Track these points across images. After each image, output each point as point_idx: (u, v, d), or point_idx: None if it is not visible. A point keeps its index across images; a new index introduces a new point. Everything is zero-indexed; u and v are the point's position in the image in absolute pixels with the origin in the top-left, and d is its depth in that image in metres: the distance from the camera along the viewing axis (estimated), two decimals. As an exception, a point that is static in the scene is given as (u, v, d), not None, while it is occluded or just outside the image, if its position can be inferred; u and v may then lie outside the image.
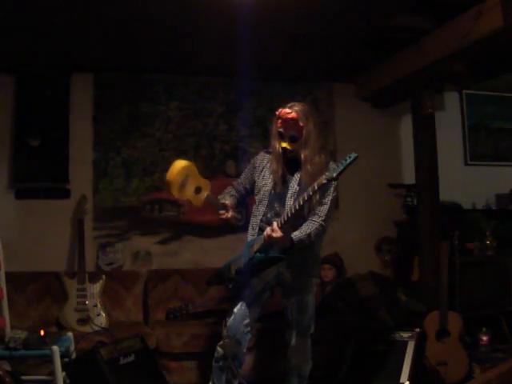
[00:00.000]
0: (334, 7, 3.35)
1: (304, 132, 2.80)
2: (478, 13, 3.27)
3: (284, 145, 2.82)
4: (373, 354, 3.46)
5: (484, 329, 3.81)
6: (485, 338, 3.78)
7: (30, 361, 3.13)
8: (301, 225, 2.75)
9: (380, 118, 4.99)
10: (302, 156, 2.80)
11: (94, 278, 3.92)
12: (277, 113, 2.83)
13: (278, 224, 2.65)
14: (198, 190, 2.79)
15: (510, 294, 4.17)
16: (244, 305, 2.82)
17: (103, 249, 4.32)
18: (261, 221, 2.86)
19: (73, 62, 4.23)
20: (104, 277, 3.95)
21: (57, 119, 4.26)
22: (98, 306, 3.82)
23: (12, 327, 3.10)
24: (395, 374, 3.28)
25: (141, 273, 4.27)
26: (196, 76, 4.61)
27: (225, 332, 2.84)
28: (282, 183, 2.85)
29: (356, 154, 2.47)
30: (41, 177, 4.21)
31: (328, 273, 4.24)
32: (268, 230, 2.65)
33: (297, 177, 2.84)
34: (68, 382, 2.90)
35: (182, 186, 2.72)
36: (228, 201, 2.94)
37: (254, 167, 3.01)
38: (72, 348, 3.07)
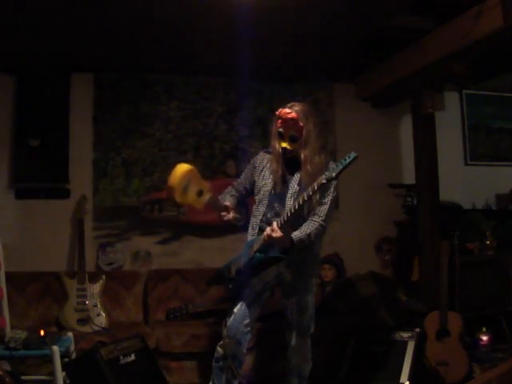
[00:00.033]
0: (334, 7, 3.36)
1: (304, 132, 2.80)
2: (478, 13, 3.27)
3: (284, 145, 2.82)
4: (373, 354, 3.45)
5: (484, 329, 3.81)
6: (485, 338, 3.78)
7: (30, 361, 3.13)
8: (301, 225, 2.75)
9: (380, 118, 4.99)
10: (302, 156, 2.80)
11: (94, 278, 3.92)
12: (277, 113, 2.83)
13: (277, 224, 2.65)
14: (199, 193, 2.77)
15: (510, 294, 4.17)
16: (244, 305, 2.82)
17: (103, 249, 4.32)
18: (261, 221, 2.86)
19: (73, 62, 4.23)
20: (104, 277, 3.95)
21: (57, 119, 4.26)
22: (98, 305, 3.82)
23: (12, 327, 3.10)
24: (395, 373, 3.28)
25: (141, 273, 4.27)
26: (196, 76, 4.61)
27: (225, 332, 2.83)
28: (281, 183, 2.85)
29: (355, 154, 2.47)
30: (41, 177, 4.22)
31: (328, 273, 4.24)
32: (268, 230, 2.65)
33: (297, 177, 2.84)
34: (68, 381, 2.90)
35: (185, 190, 2.71)
36: (229, 201, 2.94)
37: (254, 167, 3.01)
38: (72, 348, 3.06)
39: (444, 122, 4.79)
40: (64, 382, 2.79)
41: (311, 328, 2.94)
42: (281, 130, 2.82)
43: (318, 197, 2.73)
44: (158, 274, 4.25)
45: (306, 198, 2.59)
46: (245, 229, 2.98)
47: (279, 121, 2.82)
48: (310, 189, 2.58)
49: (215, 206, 2.87)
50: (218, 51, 4.02)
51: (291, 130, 2.80)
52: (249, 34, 3.45)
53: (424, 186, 4.23)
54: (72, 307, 3.77)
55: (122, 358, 3.01)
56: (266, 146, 3.11)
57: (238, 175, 3.22)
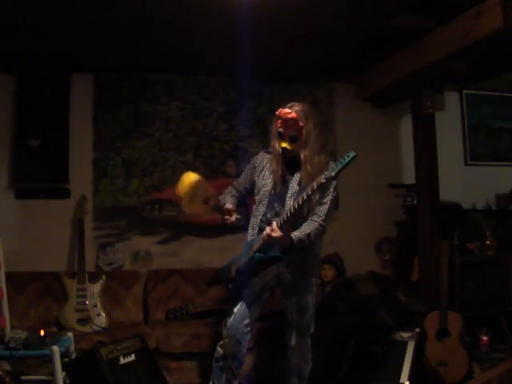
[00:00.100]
0: (334, 7, 3.35)
1: (304, 132, 2.80)
2: (478, 13, 3.27)
3: (284, 145, 2.82)
4: (373, 354, 3.45)
5: (484, 329, 3.81)
6: (485, 338, 3.78)
7: (30, 361, 3.13)
8: (301, 225, 2.75)
9: (380, 118, 4.99)
10: (302, 156, 2.80)
11: (94, 278, 3.92)
12: (277, 113, 2.83)
13: (277, 224, 2.65)
14: (206, 201, 2.82)
15: (510, 294, 4.17)
16: (244, 305, 2.82)
17: (103, 249, 4.33)
18: (261, 221, 2.86)
19: (73, 62, 4.23)
20: (104, 277, 3.95)
21: (57, 119, 4.26)
22: (98, 305, 3.82)
23: (12, 327, 3.10)
24: (395, 373, 3.28)
25: (141, 273, 4.27)
26: (196, 76, 4.61)
27: (225, 332, 2.83)
28: (281, 183, 2.85)
29: (355, 153, 2.47)
30: (41, 177, 4.22)
31: (328, 273, 4.24)
32: (267, 230, 2.65)
33: (297, 177, 2.84)
34: (68, 381, 2.90)
35: (191, 200, 2.77)
36: (229, 202, 2.94)
37: (254, 167, 3.01)
38: (72, 348, 3.07)
39: (444, 121, 4.79)
40: (64, 381, 2.79)
41: (311, 328, 2.94)
42: (281, 129, 2.82)
43: (317, 197, 2.74)
44: (158, 274, 4.25)
45: (305, 198, 2.59)
46: (245, 229, 2.98)
47: (279, 121, 2.82)
48: (309, 188, 2.58)
49: (219, 210, 2.89)
50: (218, 51, 4.02)
51: (291, 130, 2.80)
52: (249, 34, 3.45)
53: (424, 185, 4.23)
54: (72, 307, 3.77)
55: (122, 358, 3.01)
56: (266, 146, 3.11)
57: (238, 175, 3.23)
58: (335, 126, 4.89)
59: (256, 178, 2.97)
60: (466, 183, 5.04)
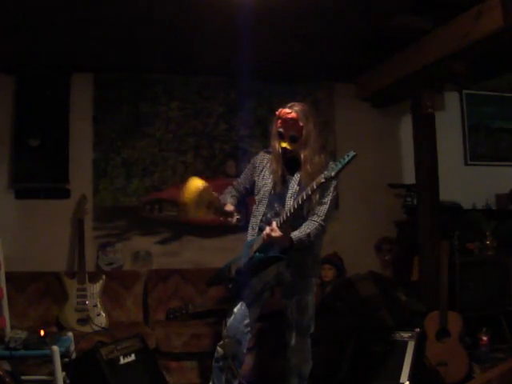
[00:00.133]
0: (334, 7, 3.35)
1: (304, 132, 2.80)
2: (478, 13, 3.27)
3: (284, 145, 2.82)
4: (373, 354, 3.45)
5: (484, 329, 3.81)
6: (485, 338, 3.78)
7: (30, 361, 3.13)
8: (300, 225, 2.75)
9: (380, 118, 4.98)
10: (302, 156, 2.80)
11: (94, 278, 3.92)
12: (277, 113, 2.83)
13: (277, 224, 2.65)
14: (209, 205, 2.83)
15: (510, 294, 4.17)
16: (244, 305, 2.82)
17: (103, 249, 4.32)
18: (261, 221, 2.86)
19: (73, 62, 4.23)
20: (104, 277, 3.95)
21: (57, 119, 4.26)
22: (98, 305, 3.82)
23: (12, 327, 3.11)
24: (395, 373, 3.28)
25: (141, 273, 4.27)
26: (196, 76, 4.61)
27: (225, 332, 2.84)
28: (281, 183, 2.85)
29: (354, 153, 2.47)
30: (41, 177, 4.22)
31: (328, 273, 4.24)
32: (267, 230, 2.65)
33: (297, 177, 2.84)
34: (68, 381, 2.90)
35: (197, 206, 2.79)
36: (230, 203, 2.94)
37: (254, 167, 3.01)
38: (72, 348, 3.07)
39: (444, 121, 4.79)
40: (64, 381, 2.80)
41: (311, 328, 2.94)
42: (281, 130, 2.82)
43: (317, 197, 2.74)
44: (158, 273, 4.25)
45: (305, 198, 2.59)
46: (245, 229, 2.98)
47: (279, 121, 2.82)
48: (309, 188, 2.58)
49: (220, 212, 2.90)
50: (218, 51, 4.02)
51: (291, 130, 2.80)
52: (249, 34, 3.45)
53: (424, 185, 4.23)
54: (72, 307, 3.77)
55: (122, 358, 3.01)
56: (266, 145, 3.11)
57: (238, 175, 3.23)
58: (335, 125, 4.89)
59: (256, 178, 2.97)
60: (465, 183, 5.04)
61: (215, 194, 2.86)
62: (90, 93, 4.43)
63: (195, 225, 4.48)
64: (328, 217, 2.79)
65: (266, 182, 2.91)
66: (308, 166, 2.77)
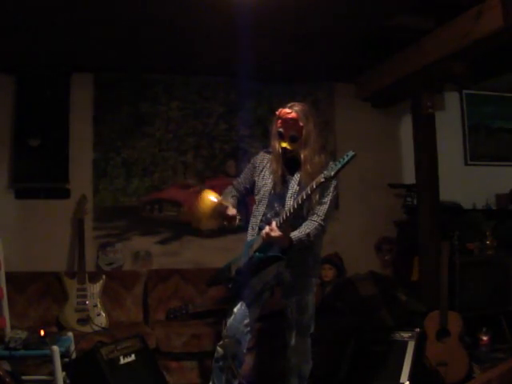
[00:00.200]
0: (334, 7, 3.35)
1: (304, 132, 2.80)
2: (478, 13, 3.27)
3: (284, 145, 2.82)
4: (373, 354, 3.45)
5: (484, 329, 3.81)
6: (485, 338, 3.78)
7: (29, 361, 3.13)
8: (300, 225, 2.75)
9: (380, 117, 4.99)
10: (302, 156, 2.80)
11: (94, 278, 3.92)
12: (277, 113, 2.83)
13: (276, 223, 2.65)
14: (220, 216, 2.89)
15: (510, 294, 4.17)
16: (244, 305, 2.82)
17: (103, 249, 4.32)
18: (261, 221, 2.86)
19: (73, 62, 4.23)
20: (104, 277, 3.95)
21: (57, 119, 4.26)
22: (98, 305, 3.82)
23: (12, 327, 3.10)
24: (395, 374, 3.28)
25: (141, 273, 4.27)
26: (196, 76, 4.61)
27: (225, 332, 2.84)
28: (281, 183, 2.85)
29: (354, 152, 2.47)
30: (41, 177, 4.22)
31: (328, 273, 4.24)
32: (266, 229, 2.65)
33: (297, 177, 2.84)
34: (68, 381, 2.91)
35: (210, 218, 2.88)
36: (232, 205, 2.94)
37: (254, 167, 3.01)
38: (72, 348, 3.07)
39: (444, 121, 4.79)
40: (64, 381, 2.80)
41: (311, 328, 2.93)
42: (281, 129, 2.82)
43: (317, 196, 2.74)
44: (158, 273, 4.25)
45: (304, 197, 2.59)
46: (245, 229, 2.98)
47: (279, 121, 2.82)
48: (308, 188, 2.58)
49: (224, 217, 2.93)
50: (218, 51, 4.02)
51: (291, 130, 2.80)
52: (249, 34, 3.45)
53: (424, 185, 4.23)
54: (72, 307, 3.77)
55: (122, 357, 3.01)
56: (266, 145, 3.10)
57: (238, 175, 3.23)
58: (335, 125, 4.89)
59: (256, 178, 2.97)
60: (465, 183, 5.04)
61: (225, 204, 2.89)
62: (90, 93, 4.43)
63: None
64: (328, 217, 2.79)
65: (265, 181, 2.91)
66: (308, 166, 2.77)
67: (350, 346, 3.55)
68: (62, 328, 3.67)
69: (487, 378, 2.61)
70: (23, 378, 3.00)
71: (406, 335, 3.43)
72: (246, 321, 2.81)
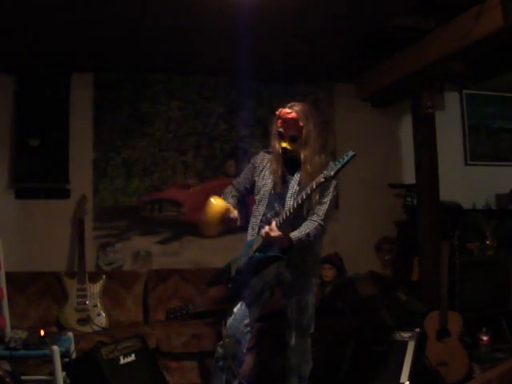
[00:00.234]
0: (334, 7, 3.35)
1: (304, 132, 2.80)
2: (478, 13, 3.27)
3: (284, 145, 2.82)
4: (373, 353, 3.45)
5: (484, 329, 3.81)
6: (485, 338, 3.78)
7: (29, 361, 3.13)
8: (300, 224, 2.75)
9: (380, 117, 4.99)
10: (302, 156, 2.80)
11: (94, 278, 3.92)
12: (277, 113, 2.83)
13: (276, 223, 2.65)
14: (226, 221, 2.92)
15: (510, 294, 4.17)
16: (244, 305, 2.82)
17: (103, 249, 4.32)
18: (261, 221, 2.86)
19: (73, 62, 4.23)
20: (104, 277, 3.95)
21: (57, 119, 4.26)
22: (98, 305, 3.82)
23: (12, 327, 3.10)
24: (395, 373, 3.28)
25: (141, 273, 4.27)
26: (196, 76, 4.61)
27: (225, 332, 2.83)
28: (281, 183, 2.85)
29: (353, 152, 2.47)
30: (41, 177, 4.22)
31: (328, 273, 4.24)
32: (266, 229, 2.65)
33: (297, 177, 2.84)
34: (68, 381, 2.90)
35: (217, 224, 2.92)
36: (231, 204, 2.94)
37: (254, 167, 3.01)
38: (72, 348, 3.07)
39: (444, 121, 4.79)
40: (64, 381, 2.79)
41: (311, 328, 2.93)
42: (281, 129, 2.82)
43: (317, 196, 2.74)
44: (158, 273, 4.25)
45: (304, 197, 2.59)
46: (245, 229, 2.98)
47: (279, 121, 2.82)
48: (308, 188, 2.58)
49: (227, 221, 2.95)
50: (218, 51, 4.02)
51: (291, 130, 2.80)
52: (249, 34, 3.46)
53: (424, 185, 4.23)
54: (72, 307, 3.77)
55: (122, 358, 3.01)
56: (266, 145, 3.11)
57: (238, 175, 3.23)
58: (335, 125, 4.89)
59: (256, 178, 2.97)
60: (466, 183, 5.05)
61: (229, 210, 2.90)
62: (90, 93, 4.43)
63: (195, 225, 4.46)
64: (328, 217, 2.79)
65: (265, 181, 2.91)
66: (308, 166, 2.77)
67: (350, 346, 3.55)
68: (62, 328, 3.67)
69: (487, 378, 2.61)
70: (23, 378, 3.00)
71: (406, 335, 3.43)
72: (246, 321, 2.81)
